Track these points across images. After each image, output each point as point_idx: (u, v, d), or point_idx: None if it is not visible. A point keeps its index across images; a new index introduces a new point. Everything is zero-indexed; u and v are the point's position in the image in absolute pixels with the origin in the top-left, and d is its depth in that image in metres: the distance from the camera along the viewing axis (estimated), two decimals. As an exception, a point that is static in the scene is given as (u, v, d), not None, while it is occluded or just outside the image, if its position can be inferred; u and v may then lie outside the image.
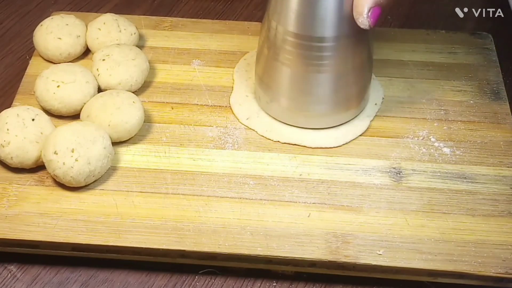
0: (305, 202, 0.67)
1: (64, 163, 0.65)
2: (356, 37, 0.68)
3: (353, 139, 0.72)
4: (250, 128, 0.73)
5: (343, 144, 0.72)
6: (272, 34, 0.70)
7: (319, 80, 0.70)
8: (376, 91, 0.77)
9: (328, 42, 0.67)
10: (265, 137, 0.72)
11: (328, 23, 0.66)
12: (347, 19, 0.66)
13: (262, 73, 0.73)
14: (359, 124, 0.73)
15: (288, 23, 0.67)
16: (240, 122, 0.73)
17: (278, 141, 0.72)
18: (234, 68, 0.79)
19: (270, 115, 0.74)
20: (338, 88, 0.71)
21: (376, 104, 0.75)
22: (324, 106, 0.72)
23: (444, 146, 0.72)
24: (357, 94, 0.73)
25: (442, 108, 0.75)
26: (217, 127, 0.73)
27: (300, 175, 0.69)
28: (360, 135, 0.73)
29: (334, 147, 0.71)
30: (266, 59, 0.72)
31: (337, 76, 0.70)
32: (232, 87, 0.77)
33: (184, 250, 0.63)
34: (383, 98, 0.76)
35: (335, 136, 0.72)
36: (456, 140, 0.72)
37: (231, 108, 0.75)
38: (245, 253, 0.63)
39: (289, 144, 0.71)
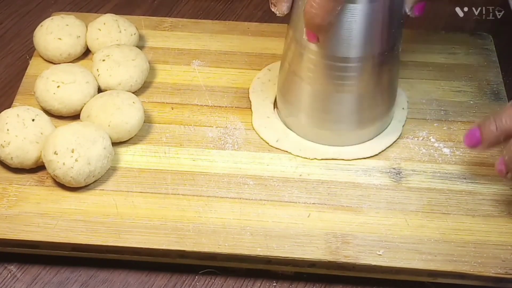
0: (305, 203, 0.67)
1: (64, 164, 0.65)
2: (381, 58, 0.67)
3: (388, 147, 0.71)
4: (284, 150, 0.71)
5: (380, 152, 0.71)
6: (295, 50, 0.68)
7: (341, 100, 0.69)
8: (399, 95, 0.75)
9: (352, 63, 0.66)
10: (301, 157, 0.70)
11: (352, 44, 0.64)
12: (373, 40, 0.65)
13: (283, 87, 0.72)
14: (392, 130, 0.72)
15: None
16: (270, 145, 0.71)
17: (315, 158, 0.70)
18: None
19: (292, 130, 0.73)
20: (361, 109, 0.70)
21: (403, 108, 0.74)
22: (345, 125, 0.71)
23: (444, 147, 0.72)
24: (381, 114, 0.71)
25: (442, 108, 0.75)
26: (217, 127, 0.73)
27: (300, 175, 0.69)
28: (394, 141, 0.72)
29: (371, 156, 0.71)
30: (287, 74, 0.70)
31: (360, 96, 0.69)
32: (250, 109, 0.75)
33: (184, 250, 0.63)
34: (408, 102, 0.75)
35: (370, 145, 0.71)
36: (456, 141, 0.72)
37: (257, 133, 0.73)
38: (245, 253, 0.63)
39: (326, 159, 0.70)
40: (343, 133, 0.71)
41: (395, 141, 0.72)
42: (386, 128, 0.73)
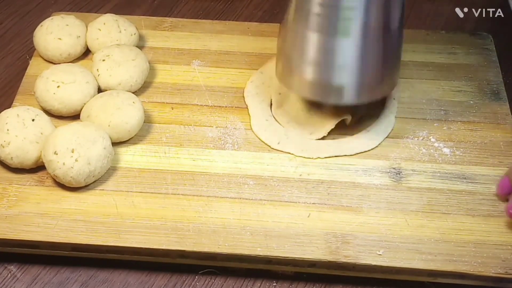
0: (304, 202, 0.67)
1: (64, 164, 0.65)
2: (388, 3, 0.65)
3: (386, 137, 0.72)
4: (285, 152, 0.71)
5: (379, 144, 0.72)
6: None
7: (345, 47, 0.66)
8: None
9: (356, 2, 0.64)
10: (304, 157, 0.70)
11: None
12: None
13: (285, 44, 0.70)
14: (386, 121, 0.73)
15: None
16: (272, 148, 0.71)
17: (319, 157, 0.70)
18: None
19: (292, 91, 0.72)
20: (365, 57, 0.67)
21: (394, 99, 0.75)
22: (349, 76, 0.68)
23: (444, 147, 0.72)
24: (386, 70, 0.70)
25: (442, 108, 0.75)
26: (217, 127, 0.73)
27: (300, 175, 0.69)
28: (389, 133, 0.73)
29: (372, 148, 0.71)
30: (291, 27, 0.68)
31: (364, 43, 0.66)
32: (248, 113, 0.75)
33: (184, 250, 0.63)
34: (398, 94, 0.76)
35: (370, 137, 0.72)
36: (456, 141, 0.72)
37: (257, 137, 0.72)
38: (245, 253, 0.63)
39: (329, 157, 0.70)
40: (346, 86, 0.69)
41: (390, 132, 0.72)
42: (385, 105, 0.73)
